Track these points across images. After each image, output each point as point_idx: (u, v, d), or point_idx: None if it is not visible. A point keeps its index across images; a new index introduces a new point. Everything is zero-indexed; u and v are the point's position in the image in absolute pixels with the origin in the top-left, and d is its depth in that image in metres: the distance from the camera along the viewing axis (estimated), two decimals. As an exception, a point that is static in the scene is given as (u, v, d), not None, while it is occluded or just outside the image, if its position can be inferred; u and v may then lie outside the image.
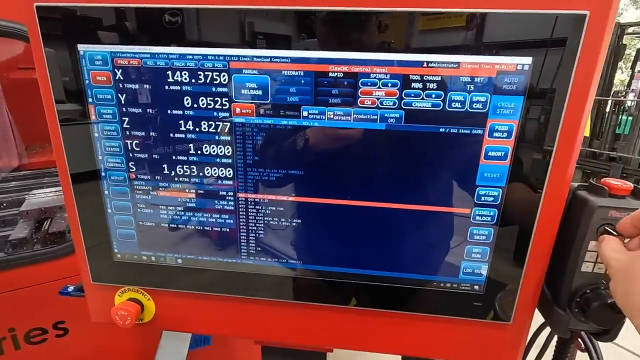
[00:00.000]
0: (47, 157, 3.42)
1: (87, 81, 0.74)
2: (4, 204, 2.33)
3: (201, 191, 0.79)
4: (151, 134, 0.76)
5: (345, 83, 0.68)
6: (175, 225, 0.82)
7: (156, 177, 0.79)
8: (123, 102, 0.74)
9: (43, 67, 0.73)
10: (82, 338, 1.51)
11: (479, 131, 0.68)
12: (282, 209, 0.78)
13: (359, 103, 0.69)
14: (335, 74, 0.68)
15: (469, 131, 0.68)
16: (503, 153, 0.69)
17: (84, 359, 1.53)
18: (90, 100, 0.75)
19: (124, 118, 0.76)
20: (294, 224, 0.78)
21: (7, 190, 2.76)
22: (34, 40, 0.72)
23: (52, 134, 0.79)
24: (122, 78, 0.73)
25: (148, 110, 0.75)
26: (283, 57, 0.68)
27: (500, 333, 0.82)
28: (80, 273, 0.91)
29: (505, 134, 0.67)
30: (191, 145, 0.76)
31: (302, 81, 0.69)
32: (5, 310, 1.38)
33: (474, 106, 0.67)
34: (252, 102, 0.72)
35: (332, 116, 0.71)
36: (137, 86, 0.73)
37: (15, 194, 2.69)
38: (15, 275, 1.42)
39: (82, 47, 0.72)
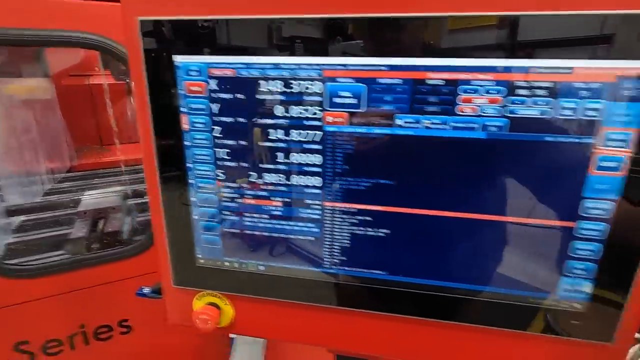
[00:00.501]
0: (95, 159, 3.61)
1: (181, 91, 0.76)
2: (61, 205, 2.47)
3: (288, 199, 0.79)
4: (241, 142, 0.77)
5: (444, 91, 0.66)
6: (261, 233, 0.83)
7: (244, 185, 0.80)
8: (215, 112, 0.76)
9: (141, 78, 0.76)
10: (144, 336, 1.57)
11: (591, 140, 0.64)
12: (369, 218, 0.77)
13: (457, 111, 0.67)
14: (434, 81, 0.66)
15: (578, 140, 0.64)
16: (617, 163, 0.64)
17: (146, 356, 1.59)
18: (183, 110, 0.77)
19: (215, 127, 0.77)
20: (382, 234, 0.77)
21: (62, 191, 2.93)
22: (134, 53, 0.74)
23: (144, 142, 0.81)
24: (216, 88, 0.74)
25: (239, 119, 0.75)
26: (379, 65, 0.67)
27: (599, 353, 0.77)
28: (161, 276, 0.94)
29: (621, 143, 0.63)
30: (281, 153, 0.76)
31: (398, 89, 0.68)
32: (77, 307, 1.45)
33: (587, 113, 0.63)
34: (345, 111, 0.71)
35: (428, 125, 0.69)
36: (229, 95, 0.74)
37: (69, 194, 2.86)
38: (85, 274, 1.49)
39: (178, 59, 0.73)
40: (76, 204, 2.46)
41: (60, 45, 1.24)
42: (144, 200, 2.50)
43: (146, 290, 1.08)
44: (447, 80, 0.66)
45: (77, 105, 3.58)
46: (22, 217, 2.24)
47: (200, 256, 0.88)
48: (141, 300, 1.10)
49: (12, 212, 2.22)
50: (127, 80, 2.06)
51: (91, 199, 2.41)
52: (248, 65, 0.71)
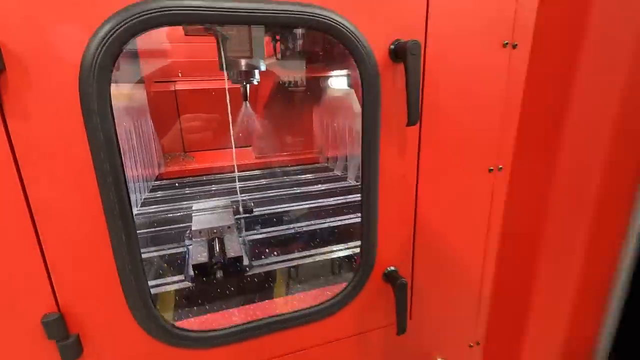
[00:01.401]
0: (179, 166, 3.48)
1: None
2: (170, 220, 2.30)
3: None
4: None
5: None
6: None
7: None
8: None
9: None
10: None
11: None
12: None
13: None
14: None
15: None
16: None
17: None
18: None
19: None
20: None
21: (157, 201, 2.80)
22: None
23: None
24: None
25: None
26: None
27: None
28: None
29: None
30: None
31: None
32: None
33: None
34: None
35: None
36: None
37: (167, 204, 2.71)
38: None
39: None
40: (183, 218, 2.27)
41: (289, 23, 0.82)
42: (260, 216, 2.25)
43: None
44: None
45: (163, 111, 3.50)
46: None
47: None
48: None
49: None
50: (244, 83, 1.80)
51: (201, 214, 2.18)
52: None
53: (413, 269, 1.11)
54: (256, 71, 1.63)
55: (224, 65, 1.55)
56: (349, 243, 1.98)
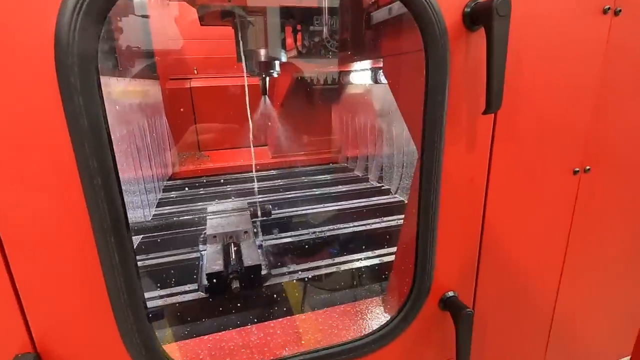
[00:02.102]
0: (195, 165, 3.35)
1: None
2: (185, 223, 2.15)
3: None
4: None
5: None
6: None
7: None
8: None
9: None
10: None
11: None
12: None
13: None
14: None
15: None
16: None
17: None
18: None
19: None
20: None
21: (172, 201, 2.66)
22: None
23: None
24: None
25: None
26: None
27: None
28: None
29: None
30: None
31: None
32: None
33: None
34: None
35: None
36: None
37: (181, 205, 2.57)
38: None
39: None
40: (198, 220, 2.12)
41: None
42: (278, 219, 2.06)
43: None
44: None
45: (178, 109, 3.39)
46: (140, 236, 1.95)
47: None
48: None
49: (133, 229, 1.90)
50: (264, 76, 1.63)
51: (216, 217, 2.01)
52: None
53: (475, 294, 0.90)
54: (276, 62, 1.47)
55: (242, 57, 1.39)
56: (378, 250, 1.80)
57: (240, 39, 1.32)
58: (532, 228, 0.90)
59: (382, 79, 2.31)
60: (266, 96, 1.77)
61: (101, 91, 0.51)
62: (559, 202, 0.89)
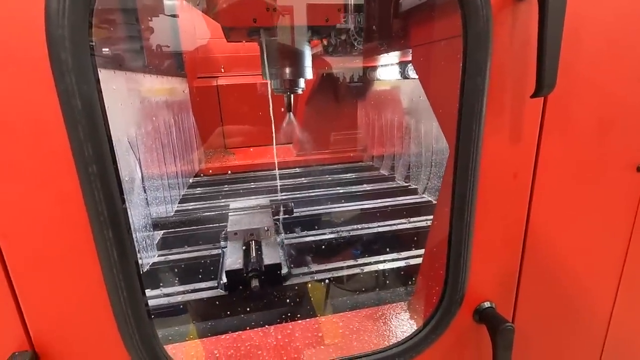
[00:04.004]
0: (221, 162, 3.37)
1: None
2: (205, 220, 2.15)
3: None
4: None
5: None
6: None
7: None
8: None
9: None
10: None
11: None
12: None
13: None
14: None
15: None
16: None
17: None
18: None
19: None
20: None
21: (196, 197, 2.68)
22: None
23: None
24: None
25: None
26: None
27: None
28: None
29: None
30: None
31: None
32: None
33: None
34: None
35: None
36: None
37: (203, 202, 2.58)
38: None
39: None
40: (220, 217, 2.10)
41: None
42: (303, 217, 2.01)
43: None
44: None
45: (205, 106, 3.43)
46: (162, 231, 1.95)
47: None
48: None
49: (155, 224, 1.91)
50: (289, 93, 1.58)
51: (237, 214, 1.98)
52: None
53: (516, 305, 0.79)
54: (301, 80, 1.44)
55: (267, 75, 1.37)
56: (404, 252, 1.71)
57: (265, 57, 1.30)
58: (585, 233, 0.78)
59: (411, 73, 2.21)
60: (291, 113, 1.70)
61: (97, 71, 0.46)
62: (619, 204, 0.77)
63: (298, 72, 1.36)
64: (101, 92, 0.46)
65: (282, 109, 1.70)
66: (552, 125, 0.66)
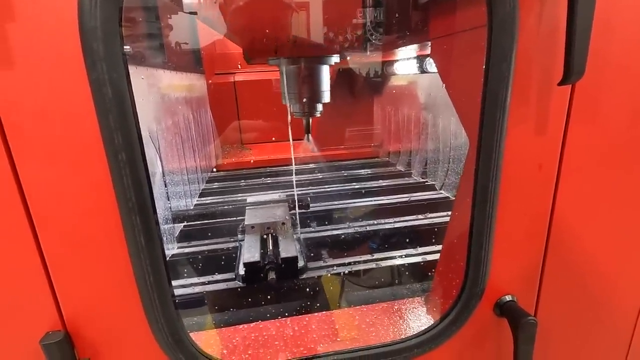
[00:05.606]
0: (237, 158, 3.41)
1: None
2: (224, 213, 2.18)
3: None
4: None
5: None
6: None
7: None
8: None
9: None
10: None
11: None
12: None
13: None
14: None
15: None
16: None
17: None
18: None
19: None
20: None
21: (214, 192, 2.73)
22: None
23: None
24: None
25: None
26: None
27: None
28: None
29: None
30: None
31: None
32: None
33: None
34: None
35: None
36: None
37: (223, 196, 2.63)
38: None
39: None
40: (237, 210, 2.13)
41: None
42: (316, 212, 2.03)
43: None
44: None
45: (222, 102, 3.47)
46: (183, 224, 2.00)
47: None
48: None
49: (175, 218, 1.95)
50: (308, 117, 1.57)
51: (254, 208, 2.01)
52: None
53: (538, 300, 0.77)
54: (319, 104, 1.46)
55: (287, 98, 1.40)
56: (421, 247, 1.69)
57: (285, 82, 1.34)
58: (612, 228, 0.75)
59: (429, 67, 2.18)
60: (309, 134, 1.69)
61: (126, 61, 0.48)
62: (651, 197, 0.74)
63: (317, 97, 1.40)
64: (130, 82, 0.48)
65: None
66: (579, 115, 0.64)
